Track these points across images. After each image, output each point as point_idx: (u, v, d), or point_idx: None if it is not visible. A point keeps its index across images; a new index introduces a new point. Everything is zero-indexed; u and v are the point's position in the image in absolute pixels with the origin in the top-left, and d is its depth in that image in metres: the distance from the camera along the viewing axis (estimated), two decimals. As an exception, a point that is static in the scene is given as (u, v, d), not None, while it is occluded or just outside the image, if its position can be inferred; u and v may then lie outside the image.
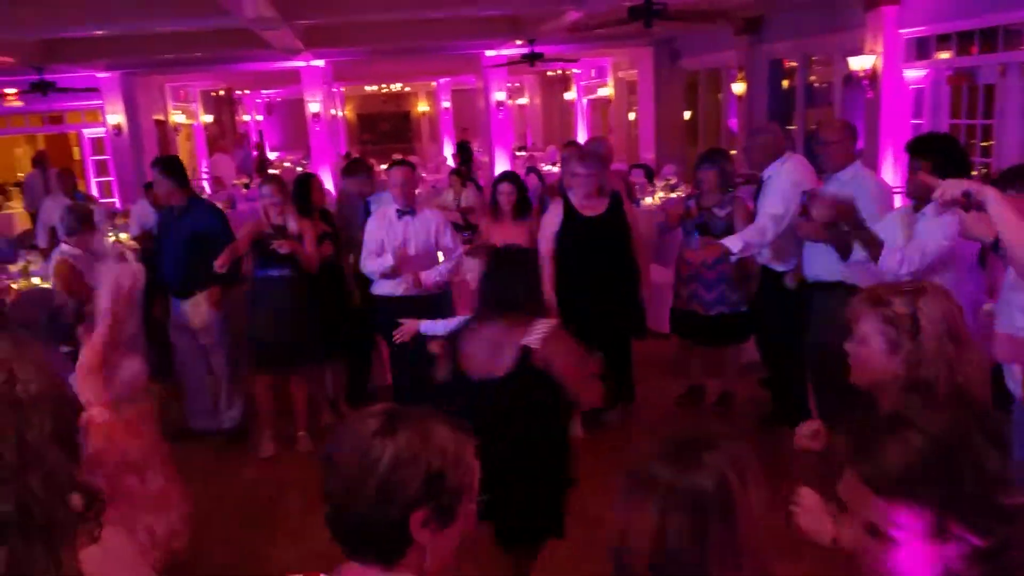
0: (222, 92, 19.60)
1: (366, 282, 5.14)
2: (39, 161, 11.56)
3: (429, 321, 3.85)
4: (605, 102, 16.96)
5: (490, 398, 3.02)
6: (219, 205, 11.06)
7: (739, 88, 10.73)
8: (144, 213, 6.88)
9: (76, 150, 14.44)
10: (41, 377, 1.22)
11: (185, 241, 5.10)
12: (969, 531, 1.22)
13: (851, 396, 2.25)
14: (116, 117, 12.69)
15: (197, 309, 5.19)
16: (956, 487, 1.23)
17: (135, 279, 3.48)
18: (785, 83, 10.71)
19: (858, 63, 7.76)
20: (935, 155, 3.60)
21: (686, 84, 13.37)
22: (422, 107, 24.46)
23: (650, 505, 1.27)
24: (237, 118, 21.97)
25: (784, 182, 4.63)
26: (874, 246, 3.53)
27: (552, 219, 4.90)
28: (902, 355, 1.86)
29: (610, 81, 16.18)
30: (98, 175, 13.49)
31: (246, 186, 13.43)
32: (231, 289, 5.34)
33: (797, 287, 4.66)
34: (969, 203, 2.26)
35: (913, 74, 7.71)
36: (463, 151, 15.33)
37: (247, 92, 21.61)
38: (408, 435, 1.30)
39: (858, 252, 3.81)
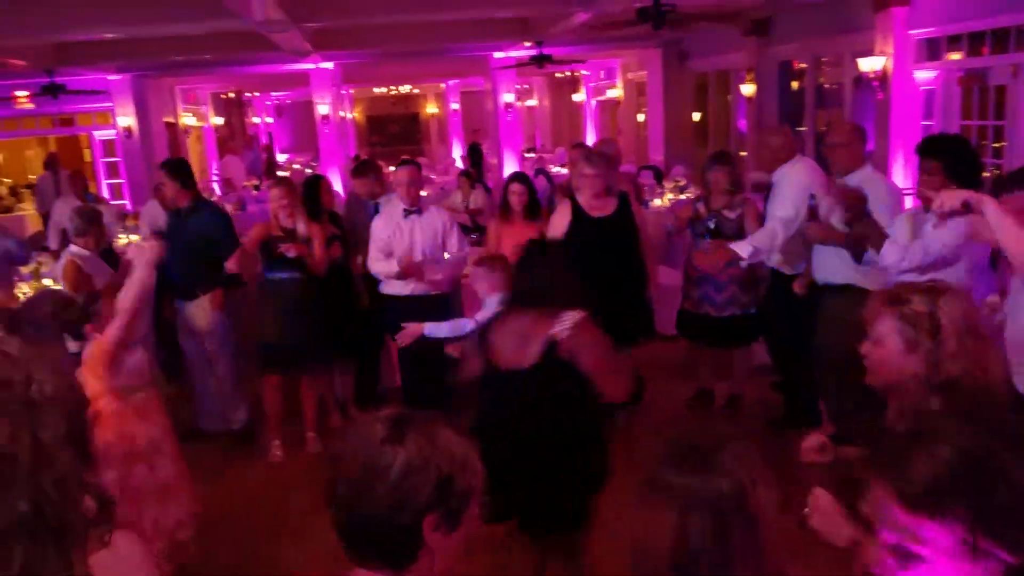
0: (232, 94, 19.68)
1: (374, 283, 5.16)
2: (50, 163, 11.63)
3: (433, 324, 3.89)
4: (614, 103, 16.94)
5: (517, 389, 3.06)
6: (229, 207, 11.18)
7: (748, 89, 10.70)
8: (154, 214, 6.91)
9: (87, 152, 14.52)
10: (56, 378, 1.22)
11: (189, 243, 5.13)
12: (1000, 547, 1.19)
13: (861, 399, 2.24)
14: (126, 119, 12.75)
15: (201, 311, 5.21)
16: (986, 500, 1.20)
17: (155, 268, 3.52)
18: (795, 84, 10.67)
19: (868, 64, 7.73)
20: (946, 156, 3.59)
21: (695, 85, 13.33)
22: (431, 109, 24.49)
23: (670, 509, 1.28)
24: (247, 120, 22.05)
25: (794, 185, 4.61)
26: (877, 238, 3.52)
27: (560, 220, 4.89)
28: (921, 354, 1.84)
29: (619, 82, 16.17)
30: (109, 177, 13.56)
31: (256, 188, 13.48)
32: (234, 292, 5.36)
33: (806, 291, 4.64)
34: (969, 212, 2.26)
35: (923, 75, 7.66)
36: (474, 153, 15.34)
37: (257, 94, 21.69)
38: (417, 441, 1.31)
39: (870, 255, 3.80)
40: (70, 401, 1.24)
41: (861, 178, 4.21)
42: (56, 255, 6.38)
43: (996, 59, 7.05)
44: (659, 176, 11.69)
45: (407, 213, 4.95)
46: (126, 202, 12.74)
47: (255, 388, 5.44)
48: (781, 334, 5.04)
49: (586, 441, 3.12)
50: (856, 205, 3.64)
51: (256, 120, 22.73)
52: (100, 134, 13.48)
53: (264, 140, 21.86)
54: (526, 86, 21.43)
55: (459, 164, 17.18)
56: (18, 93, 11.55)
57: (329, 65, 12.88)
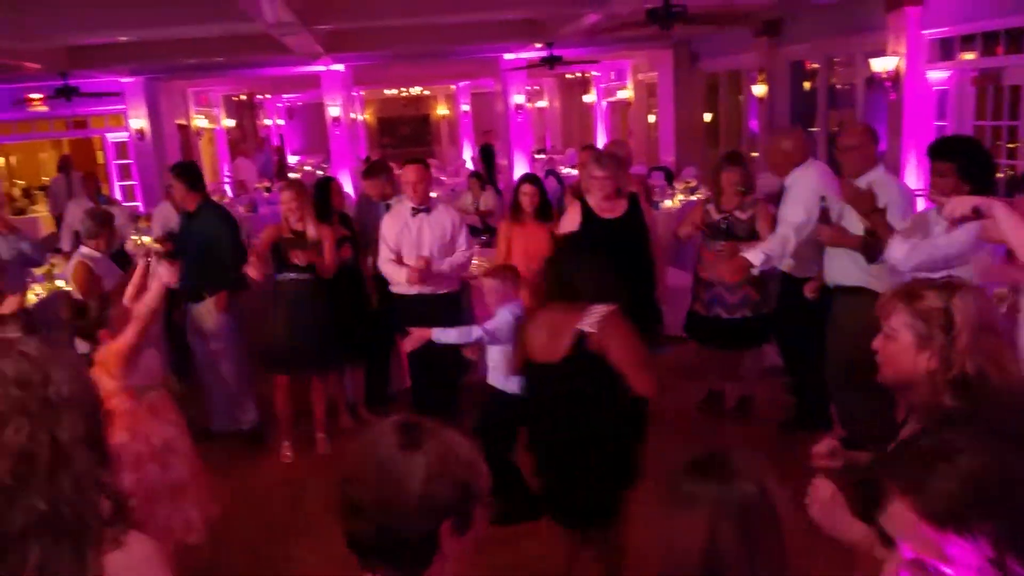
0: (244, 96, 19.78)
1: (385, 283, 5.17)
2: (63, 166, 11.71)
3: (440, 330, 3.96)
4: (625, 104, 16.91)
5: (549, 382, 3.14)
6: (241, 209, 11.25)
7: (760, 90, 10.66)
8: (166, 216, 6.95)
9: (100, 154, 14.60)
10: (74, 379, 1.23)
11: (196, 245, 5.17)
12: None
13: (871, 401, 2.22)
14: (139, 122, 12.83)
15: (208, 313, 5.26)
16: (1014, 515, 1.18)
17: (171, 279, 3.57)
18: (806, 85, 10.62)
19: (880, 64, 7.69)
20: (958, 157, 3.56)
21: (706, 86, 13.30)
22: (441, 110, 24.53)
23: (698, 517, 1.29)
24: (258, 122, 22.16)
25: (806, 189, 4.58)
26: (885, 232, 3.51)
27: (570, 221, 4.88)
28: (933, 350, 1.82)
29: (629, 83, 16.14)
30: (121, 179, 13.64)
31: (267, 190, 13.54)
32: (240, 294, 5.39)
33: (817, 295, 4.61)
34: (980, 218, 2.24)
35: (937, 75, 7.61)
36: (486, 154, 15.34)
37: (268, 96, 21.78)
38: (434, 447, 1.31)
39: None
40: (87, 401, 1.24)
41: (873, 180, 4.18)
42: (69, 257, 6.42)
43: (1010, 59, 6.99)
44: (670, 177, 11.67)
45: (415, 212, 4.95)
46: (138, 204, 12.81)
47: (264, 389, 5.47)
48: (791, 337, 5.01)
49: (617, 435, 3.15)
50: (866, 203, 3.62)
51: (268, 122, 22.84)
52: (113, 136, 13.56)
53: (276, 142, 21.95)
54: (536, 87, 21.43)
55: (469, 165, 17.20)
56: (32, 96, 11.63)
57: (340, 67, 12.92)
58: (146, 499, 3.14)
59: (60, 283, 6.10)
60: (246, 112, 20.83)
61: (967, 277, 3.26)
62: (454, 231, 5.02)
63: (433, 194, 5.88)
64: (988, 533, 1.18)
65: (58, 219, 10.73)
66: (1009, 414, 1.69)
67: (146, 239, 8.08)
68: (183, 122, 14.93)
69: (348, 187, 10.80)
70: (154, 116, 12.96)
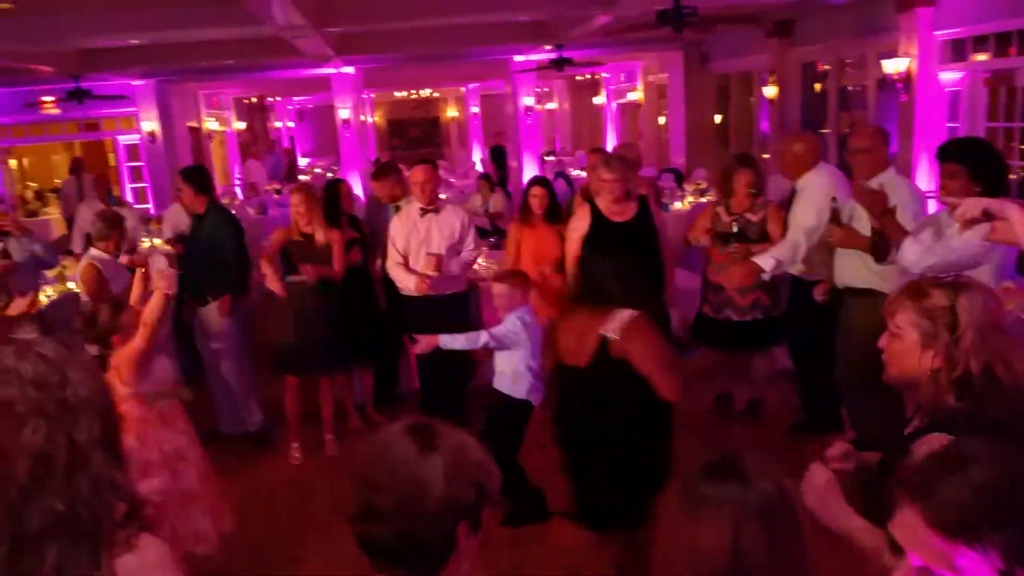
0: (254, 99, 19.85)
1: (393, 284, 5.17)
2: (75, 168, 11.79)
3: (448, 336, 4.00)
4: (635, 106, 16.88)
5: (575, 385, 3.19)
6: (251, 211, 11.28)
7: (771, 92, 10.62)
8: (178, 218, 6.97)
9: (112, 157, 14.68)
10: (90, 381, 1.24)
11: (201, 249, 5.20)
12: None
13: (881, 402, 2.20)
14: (150, 124, 12.89)
15: (213, 316, 5.29)
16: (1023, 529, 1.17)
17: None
18: (817, 86, 10.58)
19: (892, 66, 7.65)
20: (969, 159, 3.54)
21: (717, 87, 13.26)
22: (451, 112, 24.57)
23: (721, 519, 1.29)
24: (269, 124, 22.24)
25: (817, 193, 4.56)
26: (897, 233, 3.49)
27: (580, 223, 4.87)
28: (938, 348, 1.81)
29: (640, 85, 16.11)
30: (133, 181, 13.71)
31: (277, 192, 13.58)
32: (242, 298, 5.41)
33: (827, 298, 4.59)
34: (990, 219, 2.22)
35: (949, 76, 7.57)
36: (497, 155, 15.33)
37: (279, 99, 21.86)
38: (448, 448, 1.32)
39: (891, 256, 3.77)
40: (103, 403, 1.25)
41: (884, 182, 4.15)
42: (80, 258, 6.46)
43: (1023, 60, 6.95)
44: (680, 179, 11.64)
45: (424, 212, 4.96)
46: (149, 206, 12.88)
47: (271, 391, 5.48)
48: (801, 339, 4.98)
49: (643, 438, 3.15)
50: (878, 204, 3.61)
51: (278, 124, 22.91)
52: (124, 139, 13.63)
53: (286, 144, 22.03)
54: (546, 89, 21.42)
55: (479, 167, 17.21)
56: (44, 99, 11.70)
57: (350, 70, 12.95)
58: (155, 506, 3.14)
59: (71, 285, 6.13)
60: (257, 114, 20.91)
61: (984, 278, 3.25)
62: (462, 231, 5.03)
63: (442, 196, 5.88)
64: (998, 544, 1.17)
65: (69, 221, 10.79)
66: (1015, 414, 1.68)
67: (157, 241, 8.12)
68: (194, 124, 14.99)
69: (358, 189, 10.82)
70: (165, 119, 13.02)
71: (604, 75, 17.67)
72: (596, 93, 18.83)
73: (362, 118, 14.56)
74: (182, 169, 5.90)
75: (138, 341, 3.37)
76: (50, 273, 6.32)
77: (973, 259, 3.34)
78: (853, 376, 4.16)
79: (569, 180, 11.51)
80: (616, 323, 3.04)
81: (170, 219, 7.12)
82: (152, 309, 3.43)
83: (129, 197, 12.88)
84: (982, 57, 7.30)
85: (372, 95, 21.27)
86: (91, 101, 10.73)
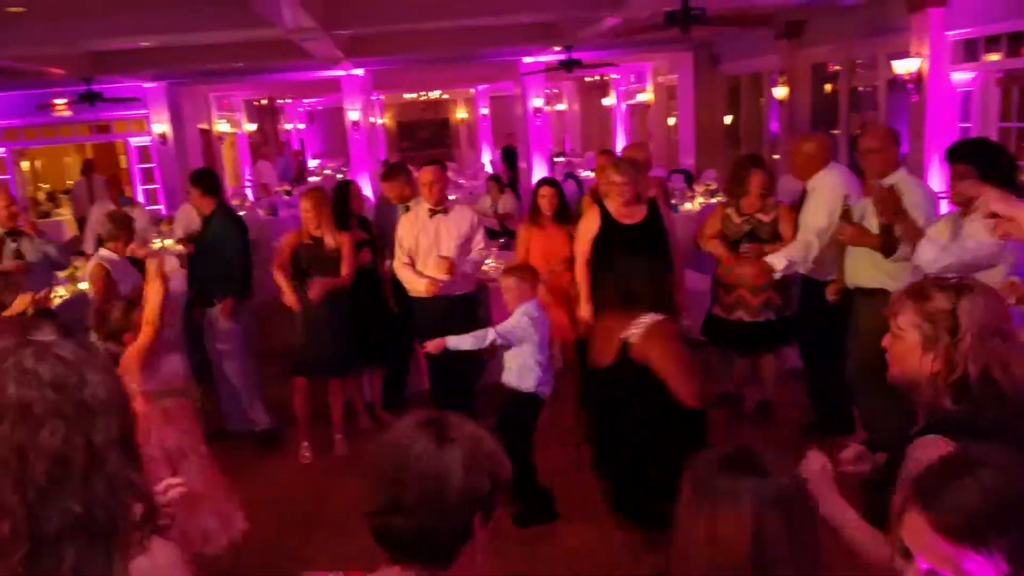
0: (265, 101, 19.92)
1: (402, 286, 5.18)
2: (85, 169, 11.87)
3: (455, 337, 4.04)
4: (644, 107, 16.86)
5: (601, 386, 3.29)
6: (261, 212, 11.32)
7: (781, 93, 10.59)
8: (189, 217, 7.01)
9: (123, 158, 14.76)
10: (108, 383, 1.24)
11: (207, 250, 5.23)
12: None
13: (893, 403, 2.19)
14: (161, 126, 12.95)
15: (216, 317, 5.34)
16: None
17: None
18: (828, 87, 10.54)
19: (903, 66, 7.61)
20: (978, 159, 3.54)
21: (727, 88, 13.23)
22: (460, 114, 24.59)
23: (742, 512, 1.30)
24: (279, 126, 22.31)
25: (828, 193, 4.54)
26: (912, 235, 3.48)
27: (590, 226, 4.87)
28: (938, 351, 1.81)
29: (649, 86, 16.08)
30: (144, 183, 13.78)
31: (288, 193, 13.64)
32: (246, 301, 5.42)
33: (838, 298, 4.57)
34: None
35: (960, 77, 7.53)
36: (508, 155, 15.33)
37: (289, 101, 21.92)
38: (464, 440, 1.35)
39: (900, 253, 3.76)
40: (120, 404, 1.25)
41: (895, 182, 4.14)
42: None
43: (1036, 60, 6.91)
44: (690, 180, 11.62)
45: (432, 213, 4.96)
46: (161, 207, 12.94)
47: (280, 391, 5.49)
48: (812, 339, 4.96)
49: (670, 440, 3.15)
50: (891, 203, 3.59)
51: (288, 126, 22.98)
52: (136, 141, 13.70)
53: (296, 146, 22.10)
54: (555, 90, 21.41)
55: (488, 169, 17.22)
56: (56, 101, 11.79)
57: (360, 72, 12.98)
58: (170, 506, 3.14)
59: (83, 285, 6.16)
60: (267, 116, 20.97)
61: (999, 277, 3.24)
62: (471, 231, 5.03)
63: (452, 197, 5.89)
64: (1003, 549, 1.17)
65: (81, 222, 10.86)
66: (1013, 418, 1.68)
67: (168, 242, 8.16)
68: (205, 126, 15.06)
69: (367, 190, 10.84)
70: (176, 120, 13.08)
71: (614, 76, 17.65)
72: (605, 94, 18.81)
73: (371, 120, 14.60)
74: (191, 172, 5.96)
75: (142, 338, 3.38)
76: (62, 274, 6.36)
77: (988, 259, 3.33)
78: (864, 376, 4.14)
79: (579, 181, 11.50)
80: (639, 327, 3.07)
81: (181, 219, 7.15)
82: (152, 307, 3.42)
83: (140, 198, 12.93)
84: (994, 57, 7.26)
85: (381, 97, 21.29)
86: (102, 103, 10.80)
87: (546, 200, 5.23)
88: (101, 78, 10.73)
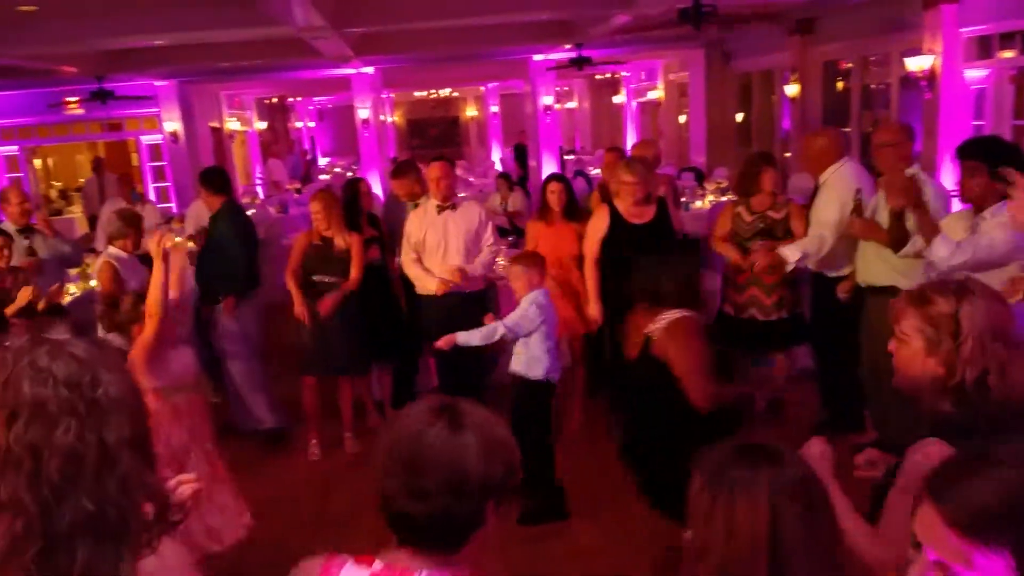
0: (275, 99, 19.97)
1: (411, 283, 5.18)
2: (96, 167, 11.92)
3: (464, 333, 4.04)
4: (655, 105, 16.82)
5: (627, 379, 3.37)
6: (272, 210, 11.35)
7: (792, 90, 10.54)
8: (199, 214, 7.04)
9: (134, 156, 14.83)
10: (121, 381, 1.24)
11: (211, 248, 5.26)
12: None
13: (903, 403, 2.18)
14: (173, 124, 13.00)
15: (222, 315, 5.36)
16: None
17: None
18: (840, 84, 10.49)
19: (916, 63, 7.56)
20: (988, 157, 3.52)
21: (739, 86, 13.18)
22: (471, 112, 24.59)
23: (759, 502, 1.32)
24: (290, 124, 22.37)
25: (840, 187, 4.51)
26: (929, 230, 3.45)
27: (599, 225, 4.86)
28: (941, 355, 1.81)
29: (660, 84, 16.04)
30: (155, 181, 13.83)
31: (298, 191, 13.68)
32: (249, 300, 5.43)
33: (850, 296, 4.55)
34: None
35: (974, 74, 7.47)
36: (519, 153, 15.32)
37: (299, 99, 21.97)
38: (477, 426, 1.37)
39: (909, 248, 3.73)
40: (133, 403, 1.26)
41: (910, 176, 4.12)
42: (103, 257, 6.52)
43: (1050, 57, 6.85)
44: (700, 178, 11.59)
45: (440, 209, 4.96)
46: (172, 205, 13.00)
47: (289, 388, 5.50)
48: (824, 338, 4.94)
49: (685, 434, 3.14)
50: (912, 191, 3.56)
51: (299, 124, 23.04)
52: (147, 139, 13.76)
53: (307, 144, 22.16)
54: (566, 88, 21.39)
55: (498, 167, 17.22)
56: (68, 99, 11.84)
57: (370, 70, 12.99)
58: (182, 504, 3.14)
59: (94, 283, 6.19)
60: (278, 114, 21.04)
61: (1015, 271, 3.22)
62: (480, 227, 5.02)
63: (461, 195, 5.89)
64: (1011, 548, 1.19)
65: (91, 220, 10.91)
66: (1010, 422, 1.67)
67: (178, 240, 8.19)
68: (216, 125, 15.11)
69: (377, 188, 10.86)
70: (187, 119, 13.13)
71: (624, 74, 17.61)
72: (616, 92, 18.78)
73: (381, 118, 14.60)
74: (201, 171, 6.00)
75: (146, 331, 3.36)
76: (74, 271, 6.40)
77: (1002, 257, 3.31)
78: (875, 375, 4.12)
79: (588, 179, 11.48)
80: (661, 323, 3.08)
81: (192, 216, 7.18)
82: (154, 296, 3.39)
83: (152, 196, 12.99)
84: (1008, 54, 7.20)
85: (391, 95, 21.33)
86: (114, 101, 10.86)
87: (555, 196, 5.23)
88: (113, 76, 10.78)
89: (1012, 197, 2.21)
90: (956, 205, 4.69)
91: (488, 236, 5.07)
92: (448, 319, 4.68)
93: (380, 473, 1.36)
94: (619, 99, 18.53)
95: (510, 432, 1.43)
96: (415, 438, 1.35)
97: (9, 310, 4.38)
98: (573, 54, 11.24)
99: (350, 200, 5.48)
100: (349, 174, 15.45)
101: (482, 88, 22.01)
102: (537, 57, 12.95)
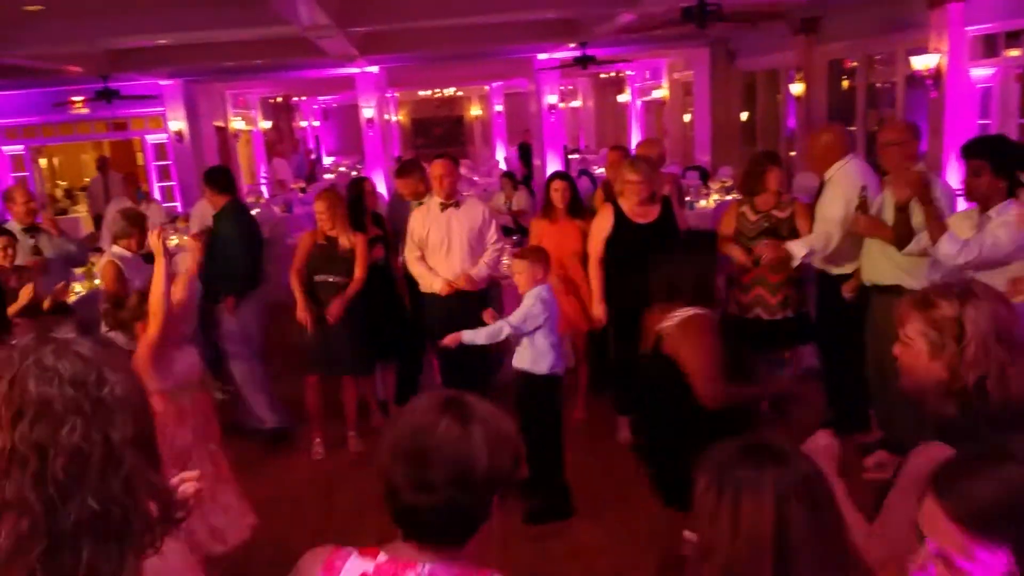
0: (280, 99, 19.99)
1: (415, 282, 5.18)
2: (101, 167, 11.95)
3: (470, 331, 4.05)
4: (659, 104, 16.80)
5: (636, 376, 3.39)
6: (276, 209, 11.37)
7: (797, 89, 10.52)
8: (204, 213, 7.05)
9: (139, 156, 14.86)
10: (126, 381, 1.24)
11: (213, 247, 5.28)
12: None
13: (908, 402, 2.18)
14: (178, 124, 13.02)
15: (223, 315, 5.37)
16: None
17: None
18: (845, 83, 10.46)
19: (921, 62, 7.53)
20: (992, 155, 3.52)
21: (743, 85, 13.15)
22: (475, 111, 24.60)
23: (764, 502, 1.32)
24: (294, 123, 22.39)
25: (845, 185, 4.50)
26: (936, 227, 3.44)
27: (603, 225, 4.85)
28: (945, 359, 1.80)
29: (665, 83, 16.03)
30: (160, 180, 13.86)
31: (303, 191, 13.69)
32: (250, 299, 5.44)
33: (855, 295, 4.54)
34: None
35: (980, 73, 7.45)
36: (524, 152, 15.32)
37: (304, 98, 21.99)
38: (484, 419, 1.37)
39: (913, 245, 3.72)
40: (138, 402, 1.26)
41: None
42: (109, 256, 6.53)
43: (1057, 55, 6.83)
44: (705, 177, 11.57)
45: (443, 207, 4.96)
46: (177, 204, 13.02)
47: (292, 387, 5.50)
48: (829, 337, 4.93)
49: (697, 433, 3.15)
50: (916, 183, 3.55)
51: (303, 123, 23.07)
52: (152, 138, 13.78)
53: (311, 143, 22.17)
54: (570, 87, 21.37)
55: (503, 166, 17.21)
56: (74, 98, 11.86)
57: (374, 69, 13.00)
58: (186, 504, 3.13)
59: (99, 282, 6.21)
60: (283, 114, 21.07)
61: (1018, 272, 3.21)
62: (483, 225, 5.02)
63: (465, 194, 5.89)
64: (1010, 546, 1.20)
65: (96, 219, 10.94)
66: (1007, 427, 1.67)
67: (185, 238, 8.21)
68: (221, 124, 15.13)
69: (382, 187, 10.87)
70: (192, 118, 13.15)
71: (628, 72, 17.59)
72: (621, 91, 18.76)
73: (386, 117, 14.62)
74: (205, 170, 6.02)
75: (151, 329, 3.34)
76: (79, 270, 6.41)
77: (1007, 256, 3.31)
78: (880, 375, 4.11)
79: (593, 178, 11.47)
80: (672, 320, 3.06)
81: (197, 215, 7.19)
82: (157, 294, 3.36)
83: (157, 196, 13.01)
84: (1015, 53, 7.17)
85: (396, 94, 21.33)
86: (119, 101, 10.87)
87: (558, 194, 5.23)
88: (118, 76, 10.80)
89: (1021, 198, 2.20)
90: (961, 204, 4.68)
91: (492, 234, 5.07)
92: (450, 317, 4.68)
93: (387, 465, 1.36)
94: (623, 98, 18.51)
95: (515, 426, 1.43)
96: (423, 431, 1.35)
97: (11, 310, 4.38)
98: (577, 53, 11.23)
99: (354, 199, 5.48)
100: (353, 173, 15.46)
101: (486, 87, 22.02)
102: (541, 56, 12.94)
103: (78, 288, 6.29)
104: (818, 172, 4.84)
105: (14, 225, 5.37)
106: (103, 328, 3.73)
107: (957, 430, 1.74)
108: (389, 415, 5.62)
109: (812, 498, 1.34)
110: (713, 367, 3.00)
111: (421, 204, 5.32)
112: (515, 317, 3.99)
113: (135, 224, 4.93)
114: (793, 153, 11.03)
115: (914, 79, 8.07)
